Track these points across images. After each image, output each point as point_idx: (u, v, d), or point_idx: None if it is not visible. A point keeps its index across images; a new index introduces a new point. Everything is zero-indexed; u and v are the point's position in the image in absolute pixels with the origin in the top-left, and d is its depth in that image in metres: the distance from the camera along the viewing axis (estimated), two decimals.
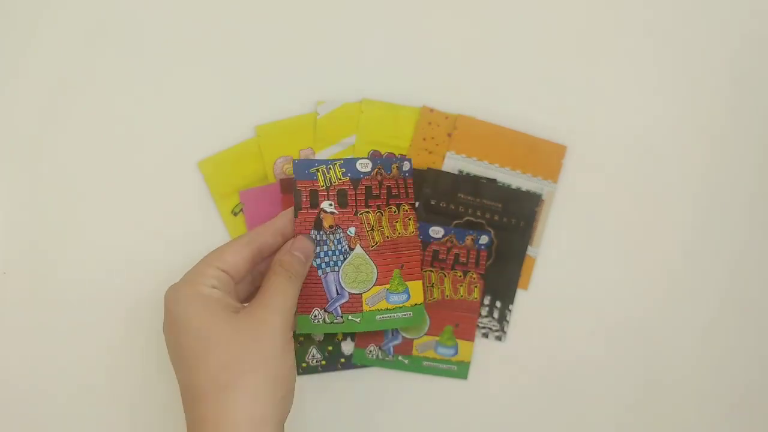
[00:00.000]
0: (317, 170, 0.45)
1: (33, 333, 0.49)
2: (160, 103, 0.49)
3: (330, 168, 0.45)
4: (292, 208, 0.45)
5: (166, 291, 0.41)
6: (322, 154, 0.48)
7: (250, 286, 0.46)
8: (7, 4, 0.49)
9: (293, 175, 0.45)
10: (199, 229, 0.49)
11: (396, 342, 0.49)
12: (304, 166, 0.45)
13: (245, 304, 0.42)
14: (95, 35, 0.49)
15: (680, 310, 0.50)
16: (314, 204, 0.45)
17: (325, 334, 0.49)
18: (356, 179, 0.45)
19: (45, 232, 0.49)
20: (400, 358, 0.49)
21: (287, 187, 0.48)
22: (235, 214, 0.49)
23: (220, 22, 0.49)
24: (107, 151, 0.49)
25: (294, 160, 0.45)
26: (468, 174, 0.49)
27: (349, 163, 0.45)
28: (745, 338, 0.51)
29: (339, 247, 0.45)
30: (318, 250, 0.45)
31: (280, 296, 0.42)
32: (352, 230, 0.45)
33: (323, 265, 0.45)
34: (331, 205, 0.45)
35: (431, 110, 0.48)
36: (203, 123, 0.49)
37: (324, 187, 0.45)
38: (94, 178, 0.49)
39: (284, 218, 0.45)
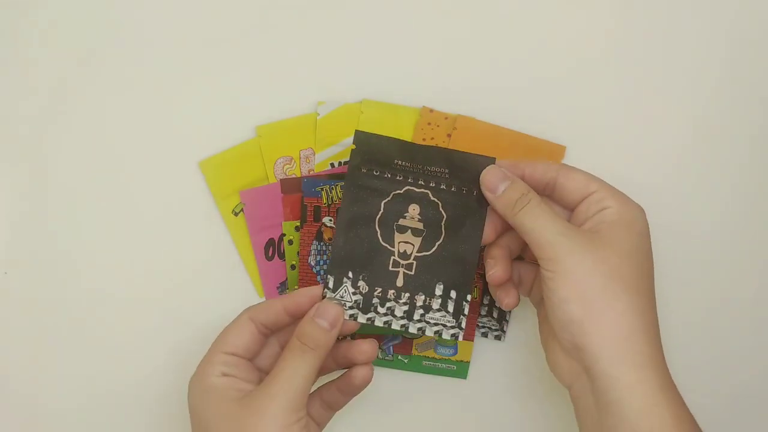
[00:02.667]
0: (322, 189, 0.47)
1: (33, 333, 0.49)
2: (161, 104, 0.49)
3: (333, 188, 0.47)
4: (316, 288, 0.43)
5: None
6: (322, 155, 0.48)
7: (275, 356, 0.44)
8: (7, 3, 0.49)
9: (300, 187, 0.48)
10: (199, 229, 0.49)
11: (396, 342, 0.49)
12: (312, 184, 0.47)
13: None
14: (95, 35, 0.49)
15: (680, 311, 0.50)
16: (317, 218, 0.48)
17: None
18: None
19: (45, 233, 0.49)
20: (399, 357, 0.50)
21: (288, 187, 0.48)
22: (236, 214, 0.49)
23: (220, 23, 0.49)
24: (107, 151, 0.49)
25: (303, 179, 0.47)
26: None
27: None
28: (746, 337, 0.51)
29: None
30: (318, 259, 0.47)
31: (285, 376, 0.40)
32: None
33: (322, 273, 0.48)
34: (330, 220, 0.47)
35: (431, 110, 0.48)
36: (203, 123, 0.49)
37: (326, 204, 0.47)
38: (95, 178, 0.49)
39: (297, 297, 0.43)
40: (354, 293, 0.43)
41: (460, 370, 0.50)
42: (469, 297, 0.44)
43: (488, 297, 0.49)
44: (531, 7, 0.49)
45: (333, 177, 0.48)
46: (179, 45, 0.49)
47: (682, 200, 0.50)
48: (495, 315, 0.50)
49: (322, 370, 0.44)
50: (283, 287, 0.49)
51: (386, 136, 0.45)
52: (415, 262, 0.44)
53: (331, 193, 0.48)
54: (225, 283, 0.49)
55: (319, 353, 0.41)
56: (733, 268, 0.51)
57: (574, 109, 0.50)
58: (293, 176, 0.48)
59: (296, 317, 0.43)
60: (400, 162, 0.44)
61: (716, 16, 0.50)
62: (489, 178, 0.43)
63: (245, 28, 0.49)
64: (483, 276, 0.49)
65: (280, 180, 0.48)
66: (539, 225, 0.41)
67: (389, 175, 0.44)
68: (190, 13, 0.49)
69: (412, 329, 0.44)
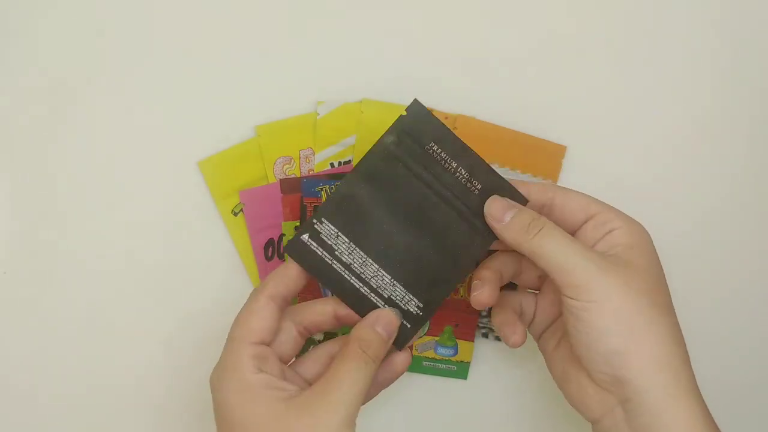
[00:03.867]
0: (321, 189, 0.47)
1: (33, 333, 0.49)
2: (160, 103, 0.49)
3: (333, 188, 0.47)
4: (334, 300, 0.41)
5: (210, 375, 0.39)
6: (322, 155, 0.48)
7: (319, 365, 0.42)
8: (7, 3, 0.49)
9: (300, 187, 0.47)
10: (199, 229, 0.49)
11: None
12: (311, 184, 0.47)
13: (303, 387, 0.38)
14: (95, 35, 0.49)
15: (680, 312, 0.50)
16: None
17: (325, 334, 0.49)
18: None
19: (45, 232, 0.49)
20: None
21: (287, 187, 0.48)
22: (235, 214, 0.49)
23: (219, 22, 0.49)
24: (107, 150, 0.49)
25: (303, 179, 0.47)
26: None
27: None
28: (746, 339, 0.51)
29: None
30: None
31: (347, 385, 0.37)
32: None
33: None
34: None
35: (431, 110, 0.48)
36: (203, 123, 0.49)
37: None
38: (94, 178, 0.49)
39: (326, 305, 0.41)
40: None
41: (461, 370, 0.50)
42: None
43: None
44: (531, 7, 0.49)
45: (333, 177, 0.48)
46: (179, 45, 0.49)
47: (682, 200, 0.50)
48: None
49: (369, 395, 0.42)
50: None
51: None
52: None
53: (330, 193, 0.48)
54: (224, 283, 0.49)
55: (378, 364, 0.39)
56: (736, 267, 0.51)
57: (575, 108, 0.50)
58: (293, 176, 0.48)
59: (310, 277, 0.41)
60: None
61: (717, 15, 0.50)
62: (495, 207, 0.41)
63: (245, 27, 0.49)
64: None
65: (280, 180, 0.48)
66: (562, 249, 0.38)
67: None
68: (189, 13, 0.49)
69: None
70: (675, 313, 0.40)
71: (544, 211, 0.42)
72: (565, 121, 0.49)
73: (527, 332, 0.45)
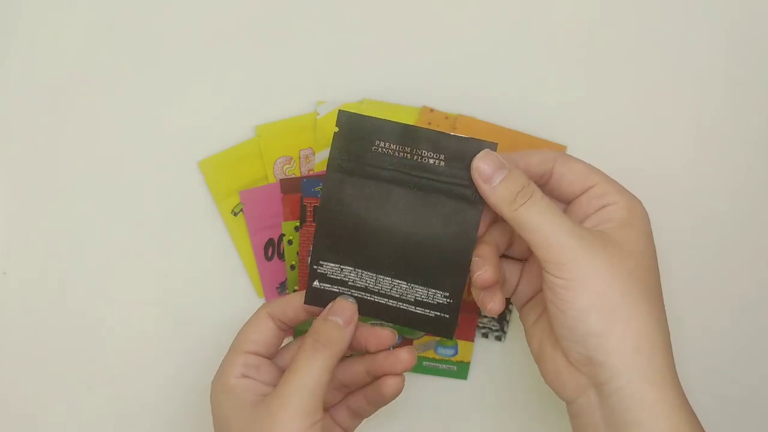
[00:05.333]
0: (321, 189, 0.46)
1: (33, 333, 0.49)
2: (161, 103, 0.49)
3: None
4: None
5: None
6: (322, 154, 0.48)
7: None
8: (7, 3, 0.49)
9: (300, 187, 0.47)
10: (199, 229, 0.49)
11: (396, 342, 0.49)
12: (311, 185, 0.47)
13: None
14: (95, 35, 0.49)
15: (679, 311, 0.50)
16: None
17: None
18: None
19: (45, 232, 0.49)
20: None
21: (287, 187, 0.48)
22: (236, 214, 0.49)
23: (219, 22, 0.49)
24: (107, 150, 0.49)
25: (303, 179, 0.47)
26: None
27: None
28: (751, 337, 0.51)
29: None
30: None
31: (299, 375, 0.38)
32: None
33: None
34: None
35: (431, 110, 0.48)
36: (203, 123, 0.49)
37: None
38: (94, 178, 0.49)
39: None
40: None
41: (461, 370, 0.50)
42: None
43: None
44: (531, 6, 0.49)
45: None
46: (179, 45, 0.49)
47: (683, 200, 0.50)
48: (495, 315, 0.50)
49: (353, 383, 0.43)
50: (282, 287, 0.49)
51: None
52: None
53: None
54: (224, 283, 0.49)
55: (333, 351, 0.39)
56: (738, 266, 0.51)
57: (575, 108, 0.50)
58: (293, 176, 0.48)
59: (314, 314, 0.41)
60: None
61: (719, 16, 0.50)
62: (483, 165, 0.38)
63: (245, 27, 0.49)
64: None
65: (280, 180, 0.48)
66: (547, 224, 0.37)
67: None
68: (189, 13, 0.49)
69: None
70: (661, 297, 0.39)
71: (543, 180, 0.40)
72: (565, 121, 0.49)
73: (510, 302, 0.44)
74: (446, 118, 0.48)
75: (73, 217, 0.49)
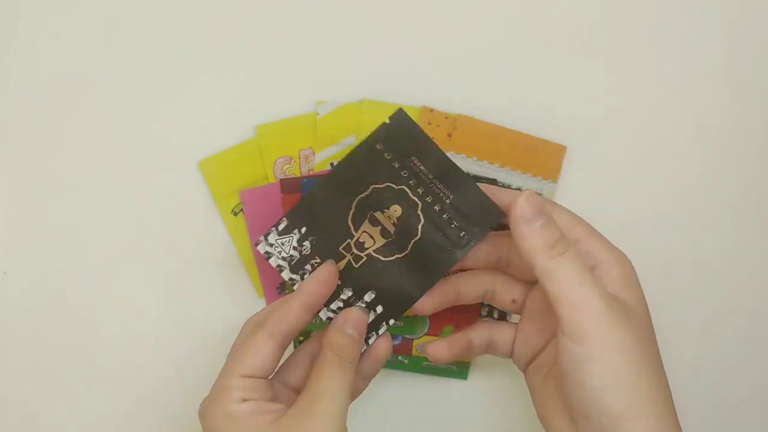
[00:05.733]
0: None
1: (32, 333, 0.49)
2: (160, 103, 0.49)
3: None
4: (328, 264, 0.41)
5: (198, 407, 0.38)
6: (322, 154, 0.48)
7: (303, 369, 0.41)
8: (7, 3, 0.49)
9: (300, 187, 0.46)
10: (199, 229, 0.49)
11: (396, 342, 0.49)
12: (311, 185, 0.46)
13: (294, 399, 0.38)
14: (95, 35, 0.49)
15: (680, 311, 0.50)
16: None
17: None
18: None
19: (45, 232, 0.49)
20: (399, 358, 0.50)
21: (287, 187, 0.48)
22: (236, 214, 0.49)
23: (219, 22, 0.49)
24: (107, 150, 0.49)
25: (303, 179, 0.47)
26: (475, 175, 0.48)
27: None
28: (749, 338, 0.51)
29: None
30: None
31: (329, 397, 0.36)
32: None
33: None
34: None
35: (431, 110, 0.48)
36: (203, 123, 0.49)
37: None
38: (94, 178, 0.49)
39: (309, 287, 0.39)
40: (295, 248, 0.41)
41: (461, 370, 0.50)
42: (392, 322, 0.41)
43: None
44: (531, 6, 0.49)
45: None
46: (179, 44, 0.49)
47: (683, 199, 0.50)
48: (495, 315, 0.50)
49: (354, 394, 0.41)
50: (282, 287, 0.49)
51: (422, 131, 0.41)
52: (365, 258, 0.41)
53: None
54: (224, 283, 0.49)
55: (355, 365, 0.38)
56: (734, 268, 0.51)
57: (575, 108, 0.50)
58: (293, 176, 0.48)
59: (317, 310, 0.40)
60: (416, 162, 0.41)
61: (719, 16, 0.50)
62: (527, 205, 0.36)
63: (245, 27, 0.49)
64: None
65: (280, 180, 0.48)
66: (580, 283, 0.35)
67: (397, 166, 0.41)
68: (189, 13, 0.49)
69: (322, 314, 0.41)
70: (658, 349, 0.37)
71: None
72: (565, 121, 0.49)
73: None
74: (446, 118, 0.48)
75: (73, 217, 0.49)
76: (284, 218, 0.41)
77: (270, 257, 0.42)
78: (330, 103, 0.48)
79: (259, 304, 0.49)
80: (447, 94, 0.49)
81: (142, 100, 0.49)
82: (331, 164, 0.49)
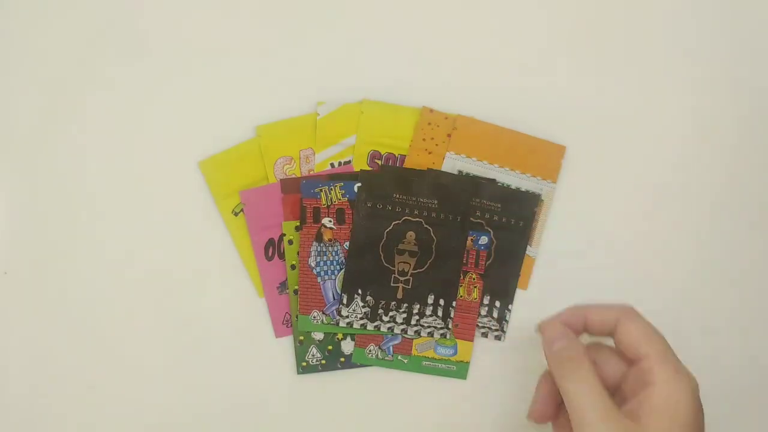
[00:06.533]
0: (321, 190, 0.48)
1: (33, 333, 0.49)
2: (161, 104, 0.49)
3: (332, 189, 0.48)
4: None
5: None
6: (322, 155, 0.48)
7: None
8: (8, 3, 0.49)
9: (300, 193, 0.48)
10: (199, 229, 0.49)
11: (395, 342, 0.49)
12: (311, 186, 0.48)
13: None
14: (95, 36, 0.49)
15: (680, 310, 0.50)
16: (317, 220, 0.48)
17: (325, 334, 0.49)
18: (354, 200, 0.48)
19: (45, 232, 0.49)
20: (399, 357, 0.50)
21: (288, 187, 0.48)
22: (236, 214, 0.49)
23: (220, 22, 0.49)
24: (107, 150, 0.49)
25: (302, 180, 0.48)
26: (469, 174, 0.49)
27: (348, 186, 0.48)
28: (748, 337, 0.51)
29: (336, 258, 0.48)
30: (318, 260, 0.48)
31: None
32: (347, 244, 0.48)
33: (322, 273, 0.48)
34: (330, 221, 0.48)
35: (431, 110, 0.49)
36: (203, 123, 0.49)
37: (325, 205, 0.48)
38: (95, 178, 0.49)
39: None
40: (363, 306, 0.48)
41: (460, 370, 0.50)
42: (454, 303, 0.49)
43: (488, 297, 0.49)
44: (531, 7, 0.50)
45: (333, 177, 0.48)
46: (179, 45, 0.49)
47: (683, 199, 0.50)
48: (495, 315, 0.50)
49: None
50: (283, 287, 0.49)
51: (387, 169, 0.48)
52: (411, 278, 0.49)
53: (330, 194, 0.48)
54: (225, 283, 0.49)
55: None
56: (734, 267, 0.51)
57: (575, 108, 0.50)
58: (293, 176, 0.48)
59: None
60: (398, 195, 0.48)
61: (719, 17, 0.50)
62: (548, 331, 0.41)
63: (245, 28, 0.49)
64: (483, 276, 0.49)
65: (280, 180, 0.48)
66: (582, 401, 0.38)
67: (390, 208, 0.48)
68: (190, 13, 0.49)
69: (410, 332, 0.49)
70: None
71: (612, 333, 0.41)
72: (565, 121, 0.49)
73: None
74: (446, 118, 0.49)
75: (73, 218, 0.49)
76: (342, 294, 0.48)
77: (352, 325, 0.48)
78: (330, 103, 0.48)
79: (259, 304, 0.49)
80: (447, 94, 0.49)
81: (142, 100, 0.49)
82: (331, 164, 0.49)
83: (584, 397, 0.38)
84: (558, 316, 0.42)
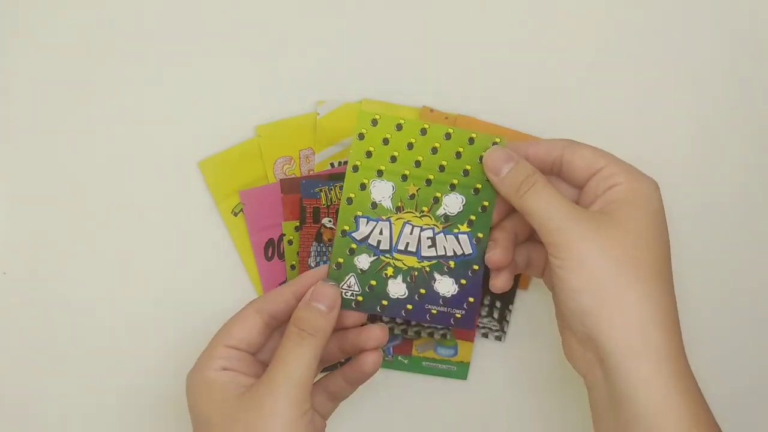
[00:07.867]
0: (320, 190, 0.47)
1: (32, 333, 0.49)
2: (160, 103, 0.49)
3: (332, 189, 0.47)
4: (323, 268, 0.43)
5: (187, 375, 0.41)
6: (322, 154, 0.48)
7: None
8: (8, 3, 0.49)
9: (300, 193, 0.47)
10: (199, 229, 0.49)
11: (396, 342, 0.49)
12: (310, 186, 0.47)
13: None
14: (95, 35, 0.49)
15: (680, 310, 0.50)
16: (316, 220, 0.48)
17: (371, 265, 0.44)
18: None
19: (45, 232, 0.49)
20: (399, 358, 0.50)
21: (287, 187, 0.48)
22: (236, 214, 0.49)
23: (220, 22, 0.49)
24: (107, 150, 0.49)
25: (302, 180, 0.47)
26: None
27: None
28: (748, 336, 0.51)
29: None
30: (318, 260, 0.48)
31: (286, 366, 0.38)
32: None
33: None
34: (330, 221, 0.48)
35: (431, 110, 0.48)
36: (203, 123, 0.49)
37: (325, 205, 0.48)
38: (94, 178, 0.49)
39: (305, 279, 0.42)
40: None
41: (460, 370, 0.50)
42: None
43: (489, 297, 0.49)
44: (531, 7, 0.49)
45: (333, 177, 0.48)
46: (179, 45, 0.49)
47: (683, 199, 0.50)
48: (495, 315, 0.50)
49: (326, 360, 0.43)
50: None
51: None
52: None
53: (330, 194, 0.48)
54: (224, 283, 0.49)
55: (320, 339, 0.39)
56: (734, 267, 0.51)
57: (575, 109, 0.50)
58: (293, 176, 0.48)
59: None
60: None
61: (719, 17, 0.50)
62: (492, 159, 0.41)
63: (245, 27, 0.49)
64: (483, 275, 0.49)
65: (280, 180, 0.48)
66: (545, 208, 0.39)
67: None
68: (190, 13, 0.49)
69: (410, 332, 0.47)
70: (667, 280, 0.39)
71: (554, 169, 0.42)
72: (565, 120, 0.49)
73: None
74: (446, 118, 0.48)
75: (73, 218, 0.49)
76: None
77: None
78: (330, 103, 0.48)
79: None
80: (447, 94, 0.49)
81: (142, 100, 0.49)
82: (331, 164, 0.49)
83: (548, 205, 0.39)
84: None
